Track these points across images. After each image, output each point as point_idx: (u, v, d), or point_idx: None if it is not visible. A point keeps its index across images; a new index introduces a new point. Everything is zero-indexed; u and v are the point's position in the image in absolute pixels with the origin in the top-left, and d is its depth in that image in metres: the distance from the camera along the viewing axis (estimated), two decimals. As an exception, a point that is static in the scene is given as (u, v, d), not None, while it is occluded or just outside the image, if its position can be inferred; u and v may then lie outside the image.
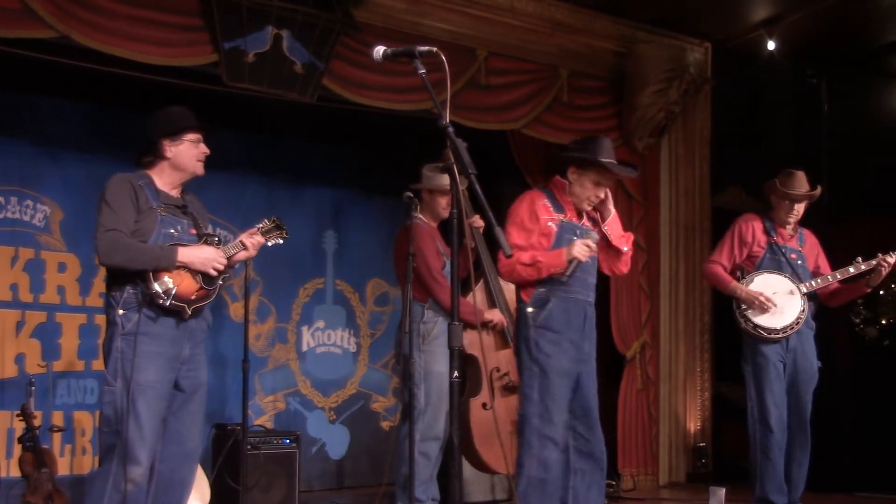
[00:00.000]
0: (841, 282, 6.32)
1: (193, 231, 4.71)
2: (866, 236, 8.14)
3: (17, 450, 6.24)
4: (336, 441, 8.36)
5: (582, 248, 4.97)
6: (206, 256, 4.58)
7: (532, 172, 8.06)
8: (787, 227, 6.36)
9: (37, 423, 6.12)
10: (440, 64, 3.64)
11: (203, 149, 4.78)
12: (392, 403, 8.57)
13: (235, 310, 7.83)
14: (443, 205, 6.32)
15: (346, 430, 8.42)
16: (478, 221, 6.37)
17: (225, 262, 4.66)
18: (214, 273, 4.61)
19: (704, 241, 8.78)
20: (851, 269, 6.22)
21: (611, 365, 8.62)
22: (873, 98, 9.25)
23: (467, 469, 6.82)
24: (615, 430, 8.33)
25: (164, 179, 4.70)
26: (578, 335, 5.12)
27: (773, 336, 6.14)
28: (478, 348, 6.42)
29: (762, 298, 6.11)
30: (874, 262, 6.15)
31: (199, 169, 4.77)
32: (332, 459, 8.33)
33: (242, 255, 4.77)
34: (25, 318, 7.02)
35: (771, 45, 8.48)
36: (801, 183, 6.30)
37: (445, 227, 6.24)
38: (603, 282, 8.26)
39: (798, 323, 6.16)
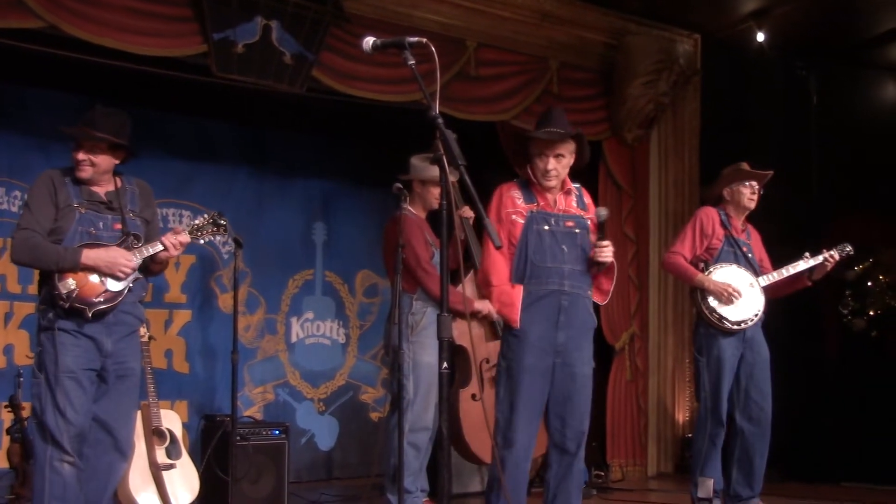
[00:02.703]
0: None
1: (118, 226, 4.74)
2: (854, 229, 8.17)
3: (6, 441, 6.24)
4: (325, 432, 8.37)
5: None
6: (111, 260, 4.61)
7: (521, 164, 8.05)
8: (742, 216, 6.44)
9: (25, 414, 6.10)
10: (430, 55, 3.64)
11: (75, 155, 4.74)
12: (381, 395, 8.58)
13: (225, 301, 7.82)
14: (435, 195, 6.32)
15: (335, 422, 8.42)
16: (467, 212, 6.38)
17: (132, 265, 4.67)
18: (122, 276, 4.64)
19: (693, 232, 8.80)
20: (801, 264, 6.38)
21: (600, 356, 8.63)
22: (862, 91, 9.27)
23: (456, 460, 6.83)
24: (604, 421, 8.36)
25: None
26: (549, 328, 4.93)
27: (735, 327, 6.20)
28: (467, 339, 6.43)
29: (731, 290, 6.17)
30: (820, 258, 6.36)
31: (78, 173, 4.74)
32: (322, 450, 8.33)
33: (164, 254, 4.79)
34: (14, 309, 7.00)
35: (760, 37, 8.50)
36: (750, 167, 6.42)
37: (435, 218, 6.24)
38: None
39: (757, 315, 6.25)
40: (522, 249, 4.95)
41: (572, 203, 5.10)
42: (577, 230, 5.03)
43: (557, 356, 4.93)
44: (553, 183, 5.02)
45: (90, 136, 4.69)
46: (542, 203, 5.02)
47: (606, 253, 4.93)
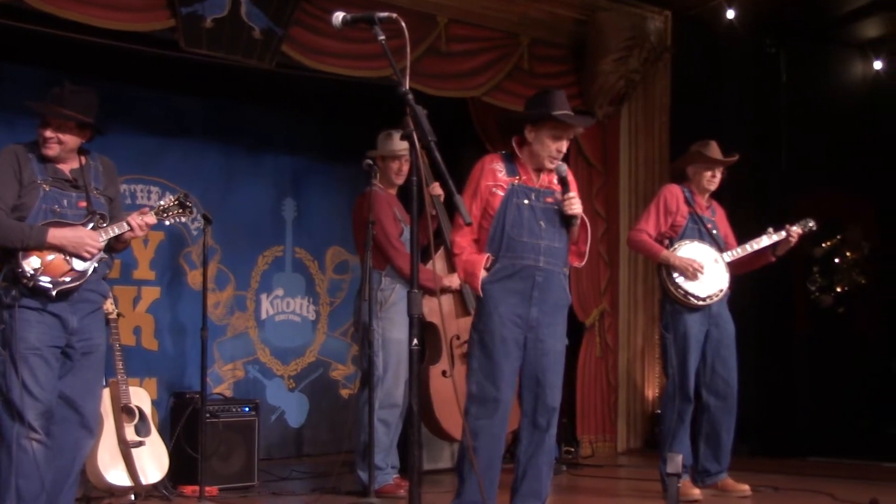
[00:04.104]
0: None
1: (83, 204, 4.68)
2: (822, 205, 8.23)
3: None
4: (295, 409, 8.36)
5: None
6: (77, 240, 4.57)
7: (492, 140, 8.05)
8: (706, 194, 6.47)
9: None
10: (400, 30, 3.62)
11: (41, 132, 4.65)
12: (351, 371, 8.57)
13: (194, 277, 7.77)
14: (393, 170, 6.34)
15: (305, 398, 8.41)
16: (437, 189, 6.37)
17: (99, 244, 4.63)
18: (88, 256, 4.60)
19: (663, 209, 8.82)
20: (765, 239, 6.42)
21: (570, 332, 8.67)
22: (832, 68, 9.32)
23: (426, 436, 6.85)
24: (574, 397, 8.39)
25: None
26: (521, 302, 4.92)
27: (701, 303, 6.22)
28: (437, 316, 6.43)
29: (696, 265, 6.20)
30: (784, 233, 6.40)
31: (44, 150, 4.66)
32: (292, 427, 8.33)
33: (129, 234, 4.74)
34: (-21, 286, 6.93)
35: (730, 14, 8.50)
36: (717, 150, 6.44)
37: (405, 195, 6.23)
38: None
39: (722, 291, 6.28)
40: (499, 222, 4.94)
41: (554, 180, 5.08)
42: (556, 207, 5.02)
43: (530, 331, 4.93)
44: (556, 165, 5.02)
45: (58, 114, 4.62)
46: (524, 177, 5.02)
47: (574, 203, 4.93)
